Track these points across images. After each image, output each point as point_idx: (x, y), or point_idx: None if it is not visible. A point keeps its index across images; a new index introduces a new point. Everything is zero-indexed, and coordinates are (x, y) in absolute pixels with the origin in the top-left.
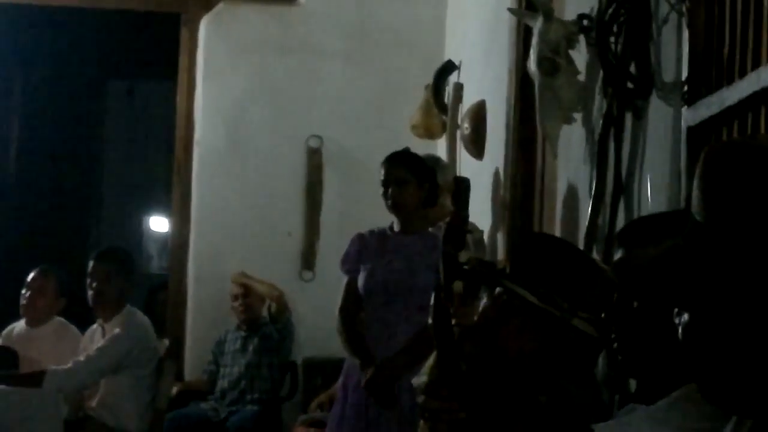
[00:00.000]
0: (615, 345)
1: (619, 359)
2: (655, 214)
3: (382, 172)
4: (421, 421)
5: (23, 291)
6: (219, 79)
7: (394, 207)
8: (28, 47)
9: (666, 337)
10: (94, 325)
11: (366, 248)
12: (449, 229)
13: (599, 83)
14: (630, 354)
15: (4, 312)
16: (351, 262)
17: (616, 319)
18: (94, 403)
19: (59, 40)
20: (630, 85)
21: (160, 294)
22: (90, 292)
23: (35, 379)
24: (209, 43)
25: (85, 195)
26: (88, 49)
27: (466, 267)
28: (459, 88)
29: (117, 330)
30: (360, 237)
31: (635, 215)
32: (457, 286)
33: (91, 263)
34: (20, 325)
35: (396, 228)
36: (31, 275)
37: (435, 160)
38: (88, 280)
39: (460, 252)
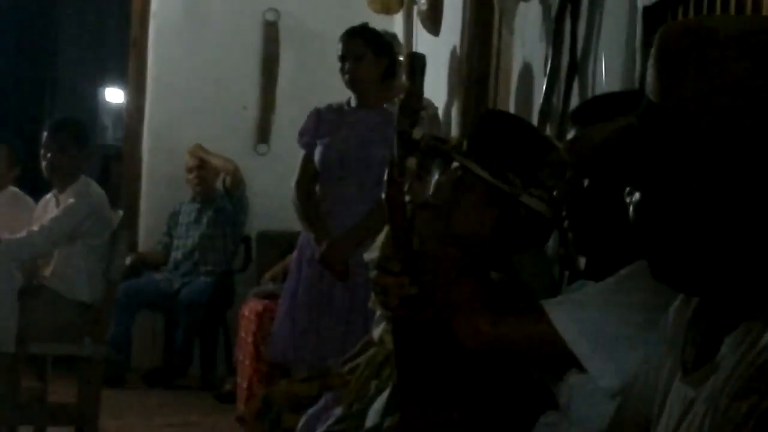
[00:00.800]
0: (566, 222)
1: (569, 236)
2: (608, 93)
3: (340, 46)
4: (373, 296)
5: None
6: None
7: (351, 82)
8: None
9: (616, 216)
10: (48, 195)
11: (323, 122)
12: (403, 105)
13: None
14: (580, 231)
15: None
16: (308, 136)
17: (568, 197)
18: (47, 272)
19: None
20: None
21: (114, 165)
22: (44, 163)
23: None
24: None
25: (40, 67)
26: None
27: (420, 143)
28: None
29: (71, 200)
30: (317, 111)
31: (589, 94)
32: (411, 162)
33: (45, 134)
34: None
35: (353, 103)
36: None
37: (392, 35)
38: (42, 151)
39: (414, 128)
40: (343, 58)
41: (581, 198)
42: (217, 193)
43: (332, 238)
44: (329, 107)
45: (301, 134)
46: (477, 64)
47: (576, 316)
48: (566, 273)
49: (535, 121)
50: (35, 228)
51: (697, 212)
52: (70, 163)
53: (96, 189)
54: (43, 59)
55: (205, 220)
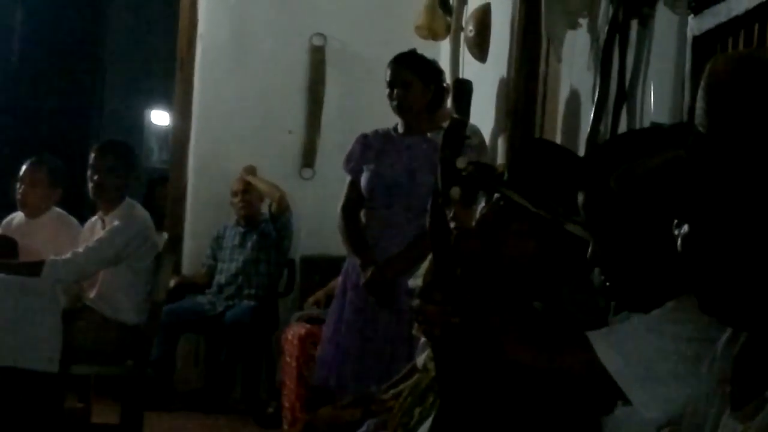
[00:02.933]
0: (611, 253)
1: (614, 268)
2: (655, 125)
3: (389, 72)
4: (416, 324)
5: (17, 183)
6: None
7: (399, 108)
8: None
9: (664, 248)
10: (94, 217)
11: (369, 148)
12: (448, 133)
13: None
14: (626, 263)
15: (4, 203)
16: (354, 162)
17: (614, 228)
18: (92, 294)
19: None
20: None
21: (159, 188)
22: (90, 185)
23: (34, 268)
24: None
25: (87, 87)
26: None
27: (464, 172)
28: None
29: (116, 222)
30: (364, 137)
31: (638, 124)
32: (455, 191)
33: (92, 155)
34: (20, 215)
35: (400, 129)
36: (23, 167)
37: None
38: (89, 173)
39: (459, 156)
40: (391, 85)
41: (628, 229)
42: (262, 217)
43: (378, 265)
44: (376, 133)
45: (347, 160)
46: (524, 91)
47: (621, 348)
48: (612, 303)
49: (581, 150)
50: (80, 249)
51: (746, 245)
52: (116, 186)
53: (141, 211)
54: (89, 81)
55: (249, 244)
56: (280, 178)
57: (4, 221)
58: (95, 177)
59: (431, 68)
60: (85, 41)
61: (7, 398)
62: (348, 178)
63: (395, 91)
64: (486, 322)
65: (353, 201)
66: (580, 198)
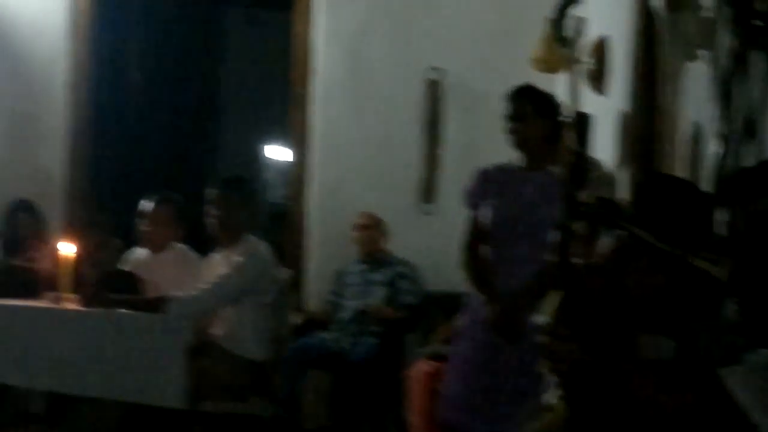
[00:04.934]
0: (742, 289)
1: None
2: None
3: (506, 106)
4: (543, 361)
5: (142, 219)
6: (339, 8)
7: (518, 142)
8: None
9: None
10: (216, 254)
11: (489, 183)
12: (570, 168)
13: (725, 19)
14: (760, 299)
15: (125, 238)
16: (474, 197)
17: (746, 265)
18: (216, 330)
19: None
20: (757, 22)
21: (279, 223)
22: (210, 220)
23: (159, 304)
24: None
25: (204, 122)
26: None
27: (586, 207)
28: (581, 22)
29: (239, 258)
30: (483, 172)
31: (765, 157)
32: (579, 225)
33: (212, 191)
34: (142, 251)
35: (519, 164)
36: (147, 204)
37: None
38: (209, 208)
39: (581, 191)
40: (509, 118)
41: (762, 267)
42: (387, 255)
43: (502, 301)
44: (496, 168)
45: (468, 195)
46: (644, 124)
47: (754, 384)
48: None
49: (704, 183)
50: (204, 286)
51: None
52: (236, 221)
53: (263, 247)
54: (207, 116)
55: (371, 280)
56: (400, 213)
57: (127, 256)
58: (216, 212)
59: (548, 101)
60: (202, 79)
61: None
62: (469, 214)
63: (513, 124)
64: (614, 359)
65: (475, 237)
66: (724, 221)
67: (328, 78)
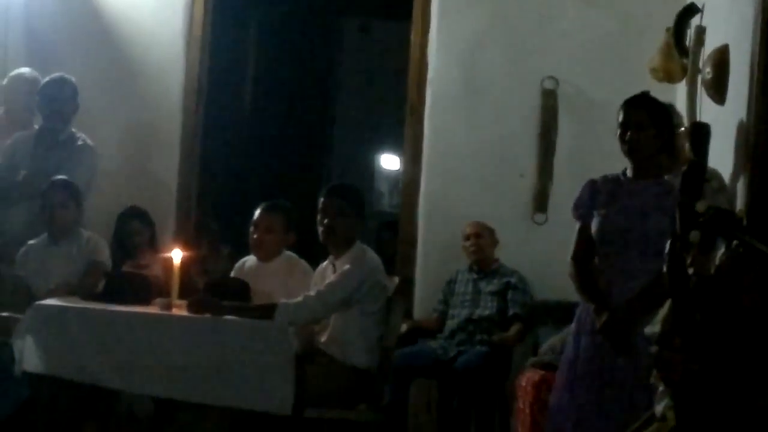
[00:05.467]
0: None
1: None
2: None
3: (621, 115)
4: (654, 371)
5: (251, 228)
6: (454, 18)
7: (631, 152)
8: None
9: None
10: (325, 263)
11: (598, 194)
12: (686, 177)
13: None
14: None
15: (237, 246)
16: (583, 208)
17: None
18: (323, 337)
19: None
20: None
21: (388, 232)
22: (320, 228)
23: (267, 311)
24: None
25: (317, 130)
26: None
27: (702, 217)
28: (701, 31)
29: (347, 266)
30: (592, 183)
31: None
32: (694, 235)
33: (322, 199)
34: (252, 258)
35: (629, 173)
36: (258, 212)
37: (668, 105)
38: (319, 216)
39: (697, 201)
40: (623, 127)
41: None
42: (497, 265)
43: (614, 311)
44: (604, 178)
45: (577, 206)
46: (764, 133)
47: None
48: None
49: None
50: (312, 293)
51: None
52: (345, 229)
53: (372, 255)
54: (322, 124)
55: (481, 290)
56: (511, 223)
57: (237, 264)
58: (325, 220)
59: (664, 111)
60: (315, 88)
61: None
62: (578, 225)
63: (628, 133)
64: (728, 370)
65: (584, 247)
66: None
67: (442, 87)
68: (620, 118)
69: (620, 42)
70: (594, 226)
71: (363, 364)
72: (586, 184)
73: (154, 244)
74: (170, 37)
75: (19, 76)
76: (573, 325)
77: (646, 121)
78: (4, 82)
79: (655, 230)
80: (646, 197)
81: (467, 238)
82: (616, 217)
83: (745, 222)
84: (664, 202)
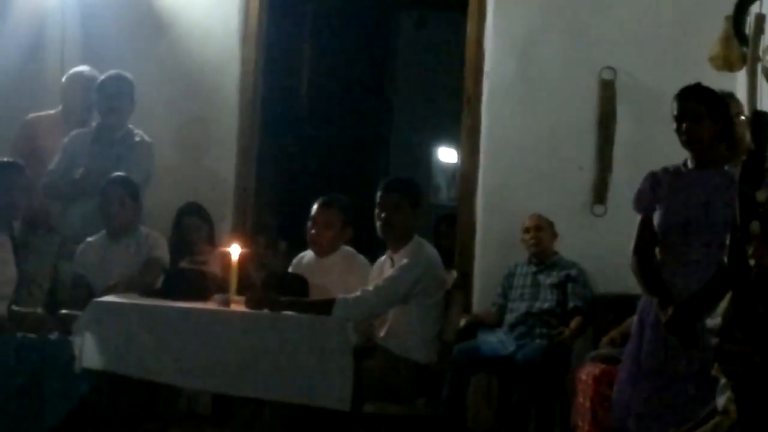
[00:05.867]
0: None
1: None
2: None
3: (675, 106)
4: (716, 364)
5: (309, 224)
6: (510, 9)
7: (689, 143)
8: None
9: None
10: (383, 257)
11: (659, 186)
12: (746, 167)
13: None
14: None
15: (296, 241)
16: (645, 200)
17: None
18: (382, 332)
19: None
20: None
21: (446, 225)
22: (378, 222)
23: (325, 306)
24: None
25: (374, 125)
26: None
27: (763, 207)
28: (761, 19)
29: (405, 260)
30: (653, 175)
31: None
32: (754, 225)
33: (379, 193)
34: (309, 254)
35: (690, 164)
36: (315, 207)
37: (728, 94)
38: (377, 210)
39: (758, 190)
40: (678, 119)
41: None
42: (555, 257)
43: (678, 304)
44: (665, 170)
45: (638, 199)
46: None
47: None
48: None
49: None
50: (370, 288)
51: None
52: (403, 223)
53: (429, 249)
54: (378, 118)
55: (540, 283)
56: (570, 215)
57: (295, 260)
58: (383, 214)
59: (719, 100)
60: (372, 82)
61: None
62: (639, 217)
63: (684, 124)
64: None
65: (646, 240)
66: None
67: (498, 79)
68: (674, 111)
69: (678, 31)
70: (656, 218)
71: (422, 358)
72: (647, 176)
73: (212, 240)
74: (226, 32)
75: (78, 74)
76: (636, 318)
77: (700, 112)
78: (63, 80)
79: (718, 221)
80: (709, 188)
81: (526, 230)
82: (678, 208)
83: None
84: (727, 194)
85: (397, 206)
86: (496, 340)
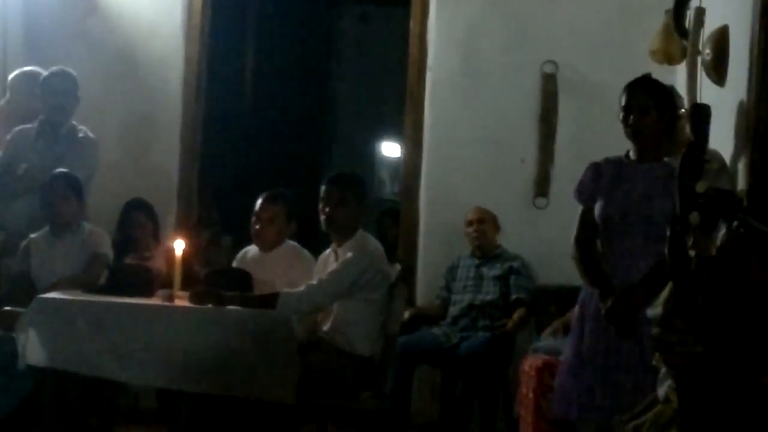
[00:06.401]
0: None
1: None
2: None
3: (624, 98)
4: (656, 354)
5: (253, 218)
6: (453, 4)
7: (635, 134)
8: None
9: None
10: (327, 251)
11: (601, 177)
12: (686, 158)
13: None
14: None
15: (239, 236)
16: (586, 192)
17: None
18: (326, 326)
19: None
20: None
21: (389, 219)
22: (322, 217)
23: (269, 301)
24: None
25: (317, 120)
26: None
27: (702, 198)
28: (701, 12)
29: (349, 254)
30: (595, 166)
31: None
32: (694, 217)
33: (323, 188)
34: (254, 248)
35: (632, 156)
36: (259, 202)
37: (670, 87)
38: (321, 205)
39: (697, 182)
40: (626, 110)
41: None
42: (498, 250)
43: (618, 295)
44: (607, 161)
45: (579, 190)
46: (765, 114)
47: None
48: None
49: None
50: (314, 282)
51: None
52: (347, 217)
53: (374, 243)
54: (323, 113)
55: (484, 275)
56: (512, 208)
57: (239, 254)
58: (327, 209)
59: (667, 93)
60: (315, 76)
61: (245, 430)
62: (581, 208)
63: (631, 116)
64: (730, 351)
65: (587, 231)
66: None
67: (441, 74)
68: (623, 102)
69: (619, 24)
70: (597, 209)
71: (366, 352)
72: (589, 167)
73: (156, 236)
74: (169, 29)
75: (23, 72)
76: (576, 309)
77: (649, 104)
78: (9, 78)
79: (659, 213)
80: (650, 180)
81: (469, 224)
82: (619, 200)
83: (745, 203)
84: (668, 185)
85: (340, 200)
86: (439, 333)
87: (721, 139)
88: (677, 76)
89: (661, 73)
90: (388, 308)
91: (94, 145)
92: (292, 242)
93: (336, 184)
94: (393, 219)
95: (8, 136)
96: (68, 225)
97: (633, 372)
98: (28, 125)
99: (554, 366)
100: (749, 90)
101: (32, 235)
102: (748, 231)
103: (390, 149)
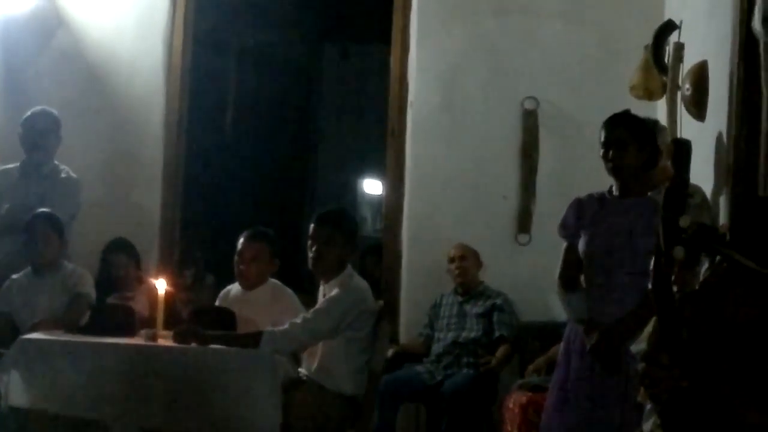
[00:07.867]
0: None
1: None
2: None
3: (603, 134)
4: (642, 389)
5: (236, 257)
6: (433, 41)
7: (615, 170)
8: (242, 12)
9: None
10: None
11: (584, 212)
12: (669, 193)
13: None
14: None
15: (222, 274)
16: (569, 227)
17: None
18: (314, 365)
19: (272, 3)
20: None
21: (372, 257)
22: (310, 255)
23: (252, 339)
24: (423, 5)
25: (299, 157)
26: (303, 13)
27: (686, 233)
28: (680, 48)
29: (336, 290)
30: (578, 201)
31: None
32: (678, 251)
33: (312, 226)
34: (236, 287)
35: (615, 191)
36: (241, 241)
37: (653, 122)
38: (309, 243)
39: (680, 217)
40: (606, 145)
41: None
42: (481, 287)
43: (603, 329)
44: (590, 197)
45: (563, 226)
46: (744, 148)
47: None
48: None
49: None
50: (298, 320)
51: None
52: (335, 255)
53: (359, 281)
54: (303, 150)
55: (467, 312)
56: (495, 244)
57: (222, 292)
58: (314, 247)
59: (646, 128)
60: (297, 113)
61: None
62: (564, 244)
63: (610, 152)
64: (716, 386)
65: (571, 267)
66: None
67: (422, 111)
68: (602, 137)
69: (599, 60)
70: (581, 245)
71: (350, 390)
72: (572, 203)
73: (139, 276)
74: (150, 67)
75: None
76: (562, 346)
77: (627, 139)
78: None
79: (642, 248)
80: (633, 215)
81: (451, 260)
82: (602, 236)
83: (727, 237)
84: (651, 220)
85: (328, 239)
86: (423, 371)
87: (702, 173)
88: (658, 112)
89: (642, 109)
90: (373, 346)
91: (77, 185)
92: (274, 280)
93: (324, 222)
94: (376, 256)
95: None
96: (50, 265)
97: (618, 408)
98: (10, 165)
99: (539, 403)
100: (729, 125)
101: (14, 276)
102: (732, 266)
103: (372, 186)
